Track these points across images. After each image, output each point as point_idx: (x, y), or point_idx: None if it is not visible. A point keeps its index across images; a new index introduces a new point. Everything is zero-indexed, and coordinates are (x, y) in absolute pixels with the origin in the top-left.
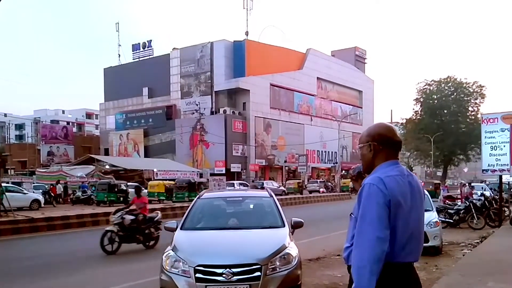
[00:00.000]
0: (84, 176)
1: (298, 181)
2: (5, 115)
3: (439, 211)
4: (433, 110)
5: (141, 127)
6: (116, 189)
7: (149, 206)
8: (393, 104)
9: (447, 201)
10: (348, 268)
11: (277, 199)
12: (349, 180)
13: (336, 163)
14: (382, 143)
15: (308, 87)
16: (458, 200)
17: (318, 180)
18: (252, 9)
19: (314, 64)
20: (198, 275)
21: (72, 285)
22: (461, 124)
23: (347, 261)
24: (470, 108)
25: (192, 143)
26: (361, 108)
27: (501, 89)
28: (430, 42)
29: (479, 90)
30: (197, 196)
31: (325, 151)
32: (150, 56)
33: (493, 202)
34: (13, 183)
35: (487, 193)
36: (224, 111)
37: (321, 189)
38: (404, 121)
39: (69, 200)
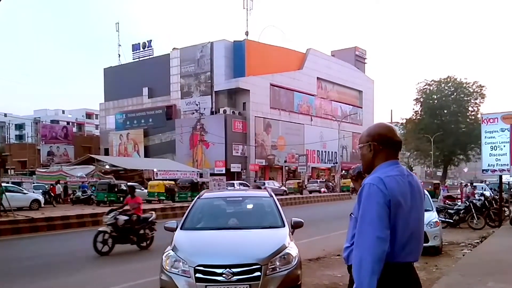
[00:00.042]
0: (84, 176)
1: (298, 181)
2: (5, 115)
3: (439, 211)
4: (433, 110)
5: (141, 127)
6: (116, 189)
7: (149, 206)
8: (393, 104)
9: (447, 201)
10: (348, 268)
11: (278, 199)
12: (349, 180)
13: (336, 163)
14: (382, 143)
15: (308, 87)
16: (458, 200)
17: (318, 180)
18: (252, 9)
19: (314, 64)
20: (198, 275)
21: (72, 285)
22: (461, 124)
23: (347, 261)
24: (470, 108)
25: (192, 143)
26: (361, 108)
27: (501, 89)
28: (430, 42)
29: (479, 90)
30: (197, 196)
31: (325, 151)
32: (150, 56)
33: (493, 202)
34: (13, 183)
35: (487, 193)
36: (224, 111)
37: (323, 189)
38: (404, 121)
39: (69, 200)
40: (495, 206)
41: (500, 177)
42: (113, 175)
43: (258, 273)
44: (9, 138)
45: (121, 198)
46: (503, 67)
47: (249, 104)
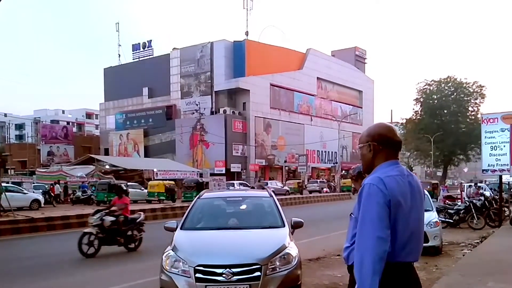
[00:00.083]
0: (84, 176)
1: (298, 181)
2: (5, 115)
3: (439, 211)
4: (433, 110)
5: (141, 127)
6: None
7: (149, 206)
8: (393, 104)
9: (447, 201)
10: (348, 268)
11: (279, 199)
12: (350, 180)
13: (336, 163)
14: (382, 143)
15: (308, 87)
16: (458, 200)
17: (318, 180)
18: (252, 9)
19: (314, 64)
20: (198, 275)
21: (72, 285)
22: (461, 124)
23: (347, 261)
24: (470, 108)
25: (192, 143)
26: (361, 108)
27: (501, 89)
28: (430, 42)
29: (479, 90)
30: (197, 196)
31: (325, 151)
32: (150, 56)
33: (493, 202)
34: (13, 183)
35: (487, 193)
36: (224, 111)
37: (325, 189)
38: (404, 121)
39: (69, 200)
40: (495, 206)
41: (500, 177)
42: (113, 175)
43: (258, 273)
44: (9, 138)
45: None
46: (503, 67)
47: (249, 104)
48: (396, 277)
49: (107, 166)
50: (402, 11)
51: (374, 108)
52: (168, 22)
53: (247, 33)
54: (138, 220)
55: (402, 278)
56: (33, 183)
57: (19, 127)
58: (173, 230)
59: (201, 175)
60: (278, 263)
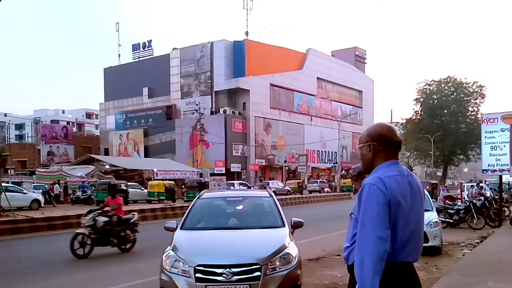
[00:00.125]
0: (84, 176)
1: (298, 181)
2: (5, 115)
3: (439, 211)
4: (433, 110)
5: (141, 127)
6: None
7: (149, 206)
8: (393, 104)
9: (447, 201)
10: (348, 268)
11: (280, 199)
12: (350, 180)
13: (336, 163)
14: (382, 143)
15: (308, 87)
16: (458, 200)
17: (318, 180)
18: (252, 9)
19: (314, 64)
20: (198, 275)
21: (72, 285)
22: (461, 124)
23: (347, 261)
24: (470, 108)
25: (192, 143)
26: (361, 108)
27: (501, 89)
28: (430, 42)
29: (479, 90)
30: (197, 196)
31: (325, 151)
32: (150, 56)
33: (493, 202)
34: (13, 183)
35: (487, 193)
36: (224, 111)
37: (326, 189)
38: (404, 121)
39: (69, 200)
40: (495, 206)
41: (500, 177)
42: (113, 175)
43: (258, 273)
44: (9, 138)
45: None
46: (503, 67)
47: (249, 104)
48: (396, 277)
49: (107, 166)
50: (402, 11)
51: (374, 108)
52: (168, 22)
53: (247, 33)
54: (132, 221)
55: (402, 278)
56: (33, 183)
57: (19, 127)
58: (173, 230)
59: (201, 175)
60: (278, 263)
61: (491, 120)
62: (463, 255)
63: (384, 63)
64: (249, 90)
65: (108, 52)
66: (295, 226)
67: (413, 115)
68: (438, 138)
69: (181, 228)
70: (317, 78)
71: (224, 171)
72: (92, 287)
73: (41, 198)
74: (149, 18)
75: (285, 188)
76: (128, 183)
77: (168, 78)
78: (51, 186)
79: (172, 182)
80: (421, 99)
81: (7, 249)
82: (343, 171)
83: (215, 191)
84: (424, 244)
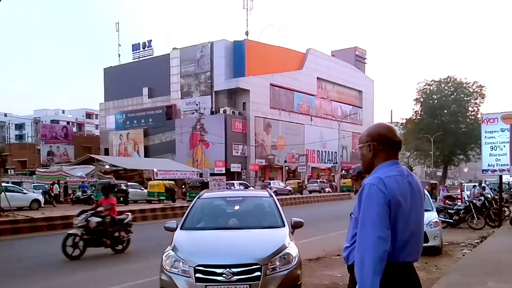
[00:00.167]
0: (84, 176)
1: (298, 181)
2: (5, 115)
3: (439, 211)
4: (433, 110)
5: (141, 127)
6: (116, 189)
7: (149, 206)
8: (393, 104)
9: (447, 201)
10: (348, 268)
11: (280, 199)
12: (350, 180)
13: (336, 163)
14: (382, 143)
15: (308, 87)
16: (458, 200)
17: (318, 180)
18: (252, 9)
19: (314, 64)
20: (198, 275)
21: (72, 285)
22: (461, 124)
23: (347, 261)
24: (470, 108)
25: (192, 143)
26: (361, 108)
27: (501, 89)
28: (430, 42)
29: (479, 90)
30: (197, 196)
31: (325, 151)
32: (150, 56)
33: (493, 202)
34: (13, 183)
35: (489, 195)
36: (224, 111)
37: (327, 189)
38: (404, 121)
39: (69, 200)
40: (495, 206)
41: (500, 177)
42: (113, 175)
43: (258, 273)
44: (9, 138)
45: (121, 198)
46: (503, 67)
47: (249, 104)
48: (396, 277)
49: (107, 166)
50: (402, 11)
51: (374, 108)
52: (168, 22)
53: (247, 33)
54: (125, 221)
55: (402, 278)
56: (33, 183)
57: (19, 127)
58: (173, 230)
59: (201, 175)
60: (278, 263)
61: (491, 120)
62: (463, 255)
63: (384, 63)
64: (249, 90)
65: (108, 52)
66: (295, 226)
67: (413, 115)
68: (438, 138)
69: (181, 228)
70: (317, 78)
71: (224, 171)
72: (93, 287)
73: (41, 198)
74: (149, 18)
75: (286, 188)
76: (128, 183)
77: (168, 78)
78: (51, 186)
79: (172, 182)
80: (421, 99)
81: (7, 249)
82: (343, 171)
83: (215, 191)
84: (424, 244)
